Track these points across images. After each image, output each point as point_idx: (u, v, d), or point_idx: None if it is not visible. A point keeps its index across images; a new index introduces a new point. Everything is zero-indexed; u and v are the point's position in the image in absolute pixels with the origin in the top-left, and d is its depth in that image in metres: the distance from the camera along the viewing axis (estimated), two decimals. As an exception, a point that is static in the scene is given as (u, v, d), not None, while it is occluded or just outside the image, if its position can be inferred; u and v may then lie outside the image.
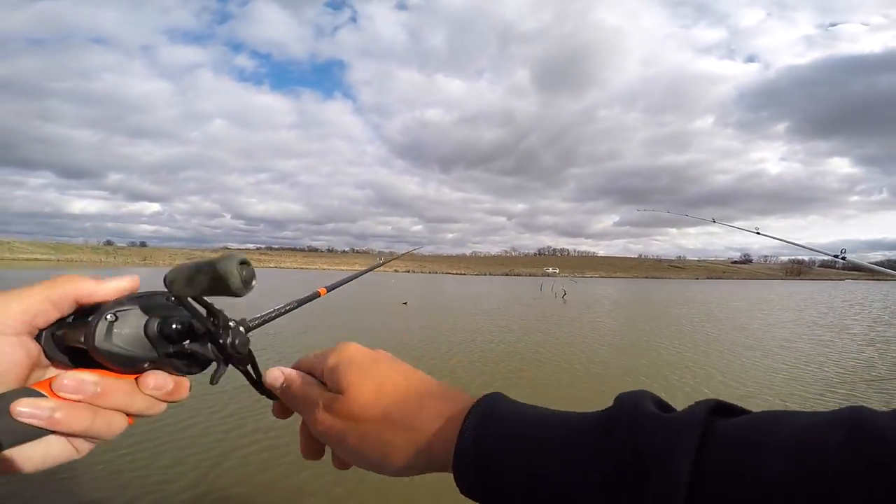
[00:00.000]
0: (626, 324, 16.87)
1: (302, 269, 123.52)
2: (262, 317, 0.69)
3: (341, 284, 1.20)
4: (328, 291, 1.09)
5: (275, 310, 0.80)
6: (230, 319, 0.44)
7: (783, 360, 10.10)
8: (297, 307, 0.91)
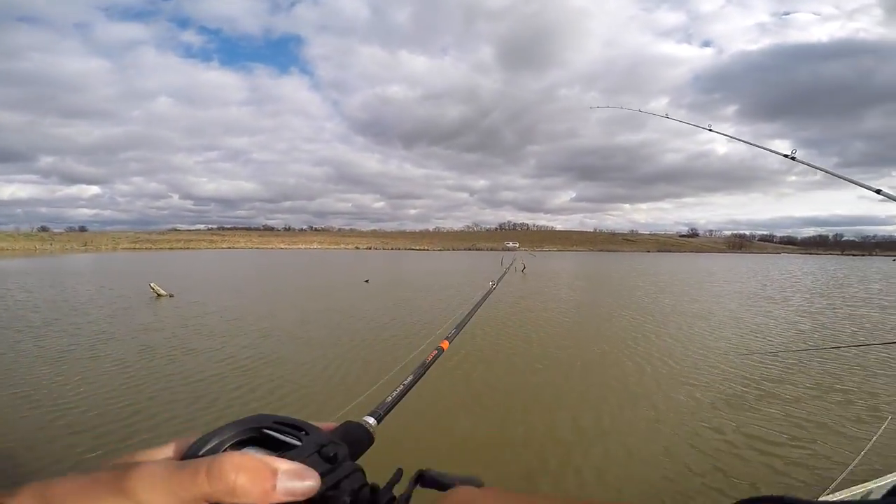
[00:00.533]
0: (586, 297, 17.37)
1: (258, 248, 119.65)
2: (391, 401, 0.65)
3: (463, 326, 1.16)
4: (450, 343, 1.05)
5: (403, 384, 0.73)
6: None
7: (733, 330, 10.82)
8: (424, 373, 0.83)
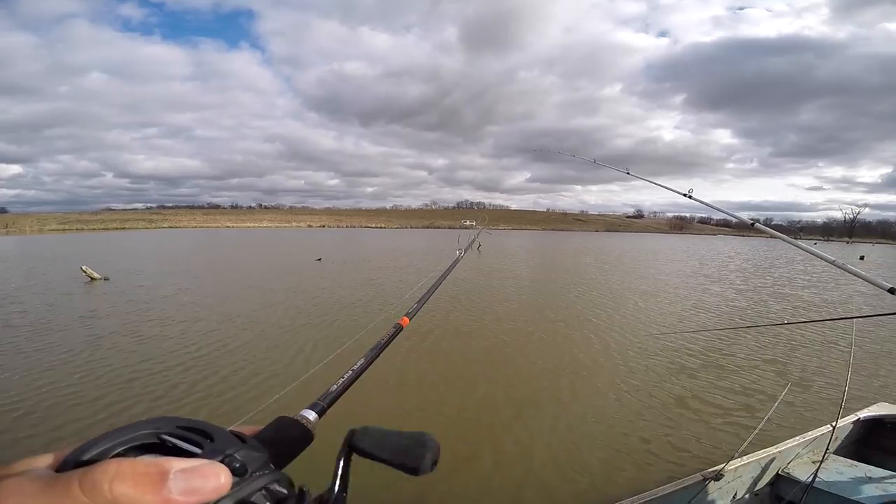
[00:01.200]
0: (542, 275, 17.85)
1: (203, 228, 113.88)
2: (337, 390, 0.55)
3: (426, 301, 1.05)
4: (410, 319, 0.92)
5: (353, 370, 0.62)
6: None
7: (678, 306, 11.61)
8: (378, 355, 0.70)
